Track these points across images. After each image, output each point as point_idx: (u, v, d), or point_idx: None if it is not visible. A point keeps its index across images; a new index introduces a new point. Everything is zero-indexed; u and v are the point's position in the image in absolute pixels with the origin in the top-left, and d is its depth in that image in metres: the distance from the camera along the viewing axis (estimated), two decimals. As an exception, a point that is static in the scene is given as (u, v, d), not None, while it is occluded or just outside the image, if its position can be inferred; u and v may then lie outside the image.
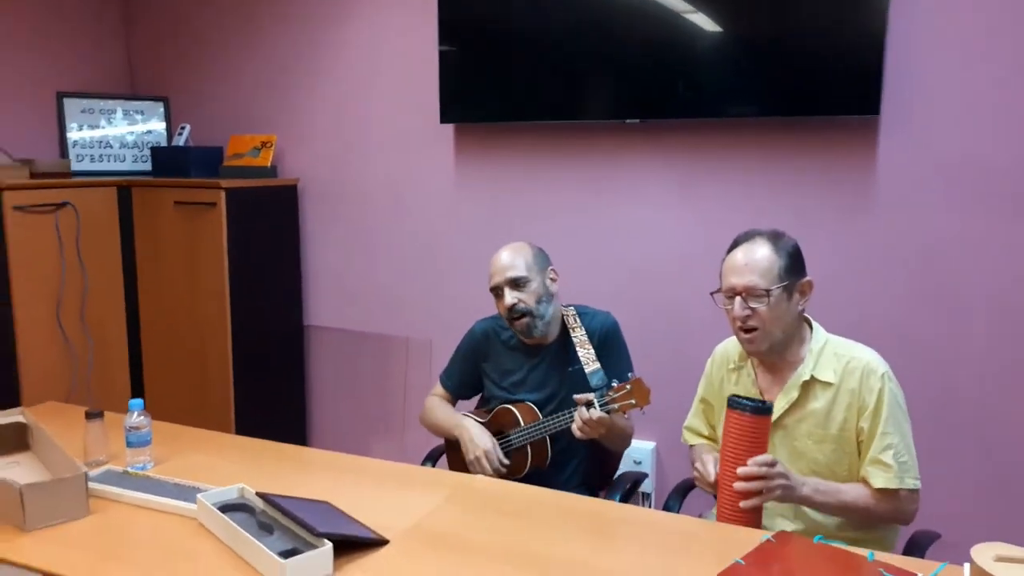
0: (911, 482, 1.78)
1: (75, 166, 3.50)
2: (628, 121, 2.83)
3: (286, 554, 1.48)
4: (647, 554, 1.58)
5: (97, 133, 3.60)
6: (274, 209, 3.40)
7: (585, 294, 2.97)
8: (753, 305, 1.80)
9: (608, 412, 1.94)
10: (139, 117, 3.74)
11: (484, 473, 2.10)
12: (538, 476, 2.20)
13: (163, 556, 1.56)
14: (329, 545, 1.50)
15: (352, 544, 1.56)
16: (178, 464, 2.02)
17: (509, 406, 2.20)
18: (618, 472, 2.39)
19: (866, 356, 1.83)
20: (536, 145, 3.04)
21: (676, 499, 2.13)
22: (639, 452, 2.91)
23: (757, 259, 1.81)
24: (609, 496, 2.14)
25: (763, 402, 1.72)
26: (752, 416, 1.69)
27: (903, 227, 2.54)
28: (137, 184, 3.35)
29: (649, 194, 2.88)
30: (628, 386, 1.94)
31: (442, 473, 2.00)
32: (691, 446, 2.11)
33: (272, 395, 3.43)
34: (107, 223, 3.26)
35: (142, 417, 1.99)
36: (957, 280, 2.49)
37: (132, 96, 3.80)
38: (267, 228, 3.36)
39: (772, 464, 1.68)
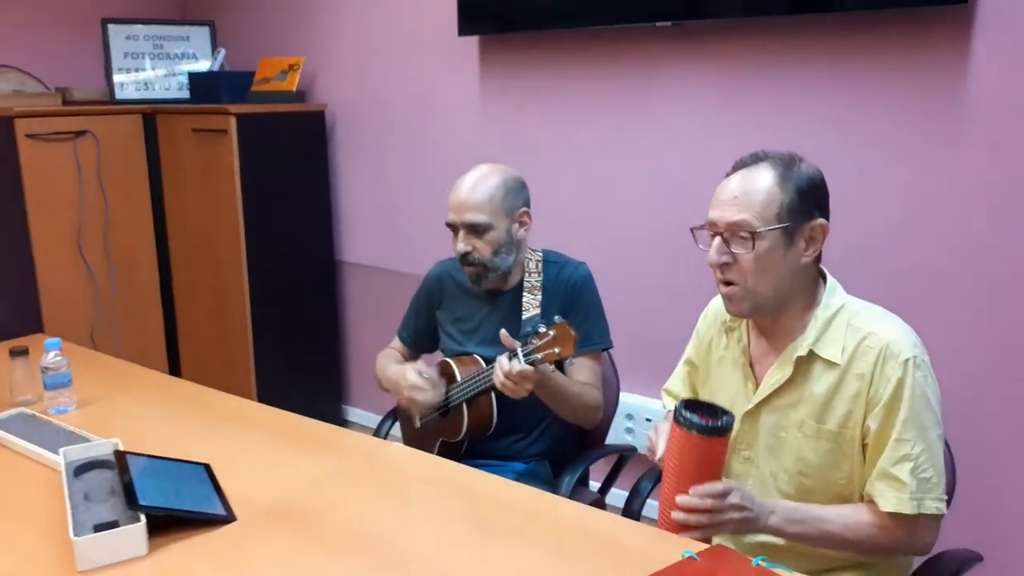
0: (933, 505, 1.32)
1: (119, 94, 3.45)
2: (659, 24, 2.37)
3: (103, 527, 1.29)
4: (531, 560, 1.25)
5: (141, 61, 3.53)
6: (299, 137, 3.20)
7: (613, 219, 2.59)
8: (735, 250, 1.36)
9: (532, 364, 1.59)
10: (185, 43, 3.63)
11: (421, 413, 1.82)
12: (493, 443, 1.90)
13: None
14: (140, 523, 1.28)
15: (196, 520, 1.34)
16: (101, 409, 1.88)
17: (450, 359, 1.89)
18: (607, 441, 2.05)
19: (890, 334, 1.35)
20: (560, 56, 2.64)
21: (651, 480, 1.77)
22: (640, 419, 2.53)
23: (753, 190, 1.36)
24: (569, 474, 1.80)
25: (719, 417, 1.29)
26: (698, 438, 1.28)
27: (1000, 155, 1.95)
28: (161, 111, 3.25)
29: (685, 110, 2.42)
30: (551, 332, 1.57)
31: (361, 439, 1.73)
32: (666, 411, 1.72)
33: (299, 333, 3.30)
34: (133, 152, 3.19)
35: (59, 357, 1.86)
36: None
37: (178, 21, 3.69)
38: (290, 157, 3.17)
39: (723, 495, 1.29)
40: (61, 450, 1.54)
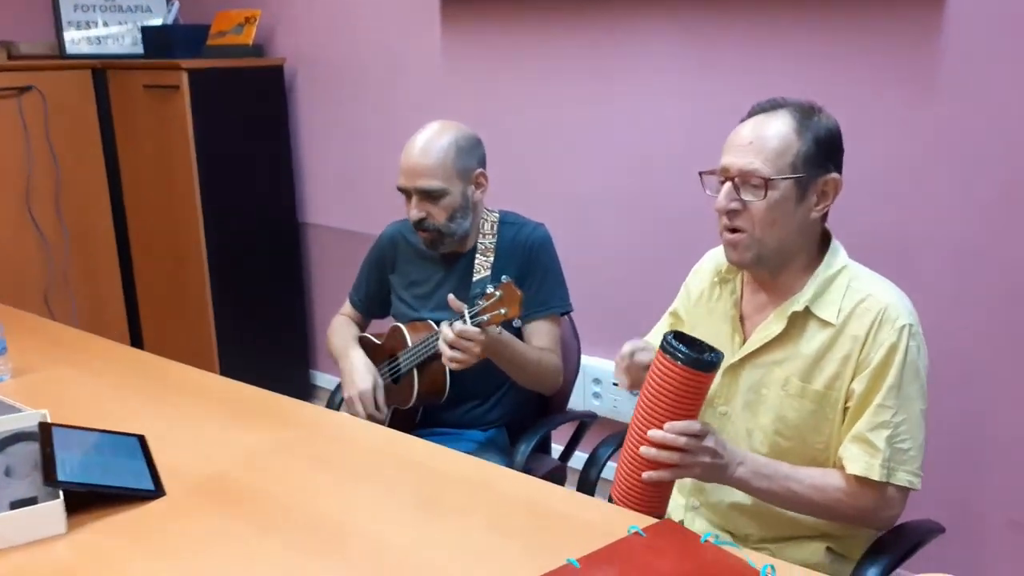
0: (905, 478, 1.27)
1: (70, 50, 3.30)
2: (624, -26, 2.26)
3: (20, 503, 1.22)
4: (474, 537, 1.19)
5: (92, 15, 3.37)
6: (257, 93, 3.08)
7: (575, 182, 2.51)
8: (746, 197, 1.30)
9: (478, 325, 1.52)
10: (139, -6, 3.47)
11: (359, 417, 1.75)
12: (449, 411, 1.83)
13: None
14: (58, 500, 1.21)
15: (122, 496, 1.27)
16: (39, 378, 1.80)
17: (401, 325, 1.81)
18: (570, 407, 1.99)
19: (888, 298, 1.30)
20: (523, 9, 2.52)
21: (609, 447, 1.71)
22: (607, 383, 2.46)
23: (768, 135, 1.29)
24: (525, 442, 1.74)
25: (709, 353, 1.21)
26: (684, 369, 1.18)
27: (974, 110, 1.87)
28: (112, 66, 3.11)
29: (652, 65, 2.32)
30: (497, 292, 1.50)
31: (309, 410, 1.65)
32: None
33: (262, 298, 3.21)
34: (83, 109, 3.06)
35: (-10, 324, 1.77)
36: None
37: (131, -29, 3.53)
38: (248, 113, 3.05)
39: (700, 435, 1.22)
40: (-16, 422, 1.46)
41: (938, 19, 1.87)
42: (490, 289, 1.52)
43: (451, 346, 1.55)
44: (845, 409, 1.32)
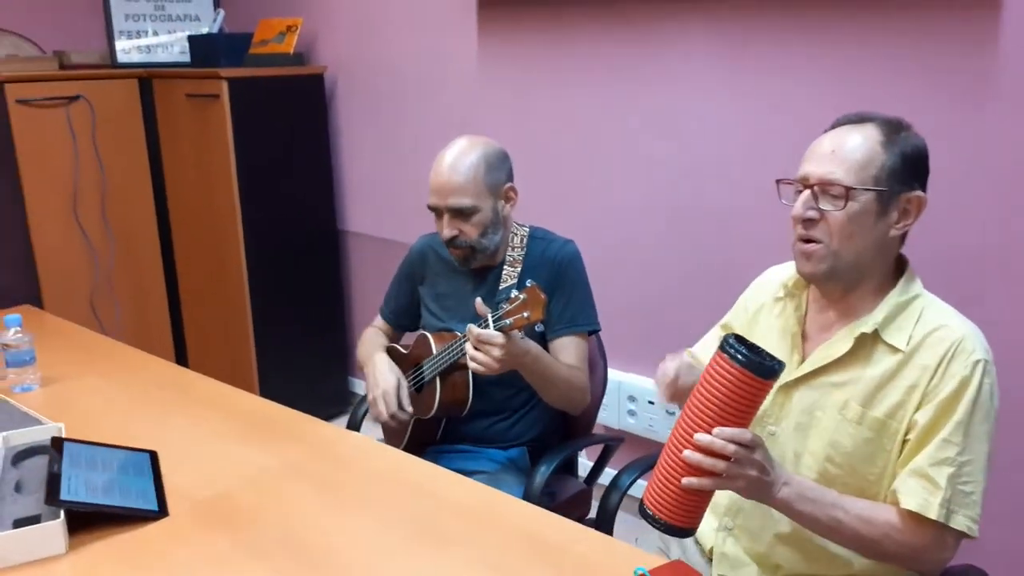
0: (964, 522, 1.17)
1: (122, 58, 3.37)
2: (662, -20, 2.19)
3: (23, 522, 1.22)
4: (467, 572, 1.14)
5: (143, 24, 3.44)
6: (298, 101, 3.09)
7: (612, 193, 2.45)
8: (824, 207, 1.23)
9: (501, 329, 1.48)
10: (187, 4, 3.52)
11: (380, 419, 1.73)
12: (471, 424, 1.79)
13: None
14: (58, 520, 1.21)
15: (124, 516, 1.27)
16: (65, 388, 1.83)
17: (427, 333, 1.78)
18: (600, 423, 1.94)
19: (964, 330, 1.22)
20: (558, 15, 2.47)
21: (633, 473, 1.64)
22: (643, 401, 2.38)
23: (853, 146, 1.23)
24: (546, 464, 1.69)
25: (772, 359, 1.12)
26: (743, 372, 1.09)
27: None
28: (157, 75, 3.15)
29: (688, 72, 2.24)
30: (521, 296, 1.46)
31: (323, 428, 1.63)
32: None
33: (302, 305, 3.22)
34: (129, 117, 3.12)
35: (19, 334, 1.80)
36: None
37: (181, -19, 3.59)
38: (289, 122, 3.06)
39: (751, 446, 1.13)
40: (1, 435, 1.47)
41: (995, 23, 1.75)
42: (515, 293, 1.49)
43: (473, 353, 1.52)
44: (904, 442, 1.23)
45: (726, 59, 2.16)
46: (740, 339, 1.12)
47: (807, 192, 1.25)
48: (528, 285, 1.47)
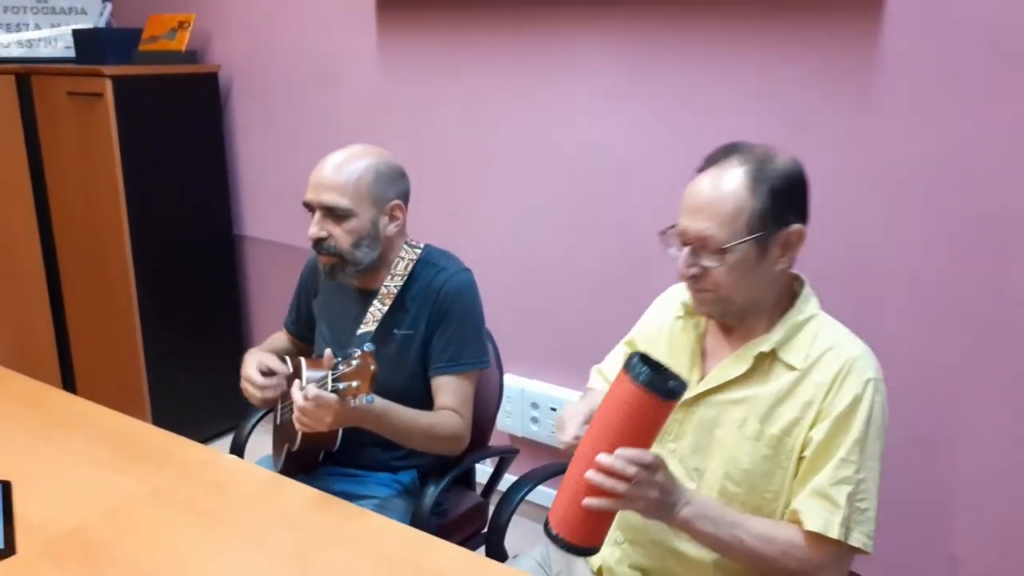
0: (860, 539, 1.20)
1: (0, 52, 3.16)
2: (559, -15, 2.17)
3: None
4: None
5: (24, 16, 3.23)
6: (189, 101, 2.95)
7: (516, 197, 2.42)
8: (705, 263, 1.24)
9: (336, 391, 1.36)
10: (72, -4, 3.33)
11: (255, 402, 1.63)
12: (357, 450, 1.70)
13: None
14: None
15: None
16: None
17: (301, 358, 1.67)
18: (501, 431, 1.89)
19: (856, 351, 1.25)
20: (458, 17, 2.43)
21: (528, 484, 1.61)
22: (545, 408, 2.38)
23: (721, 199, 1.22)
24: (433, 485, 1.63)
25: (676, 380, 1.11)
26: (644, 392, 1.08)
27: (912, 127, 1.79)
28: (36, 72, 2.97)
29: (595, 85, 2.23)
30: (354, 362, 1.34)
31: (195, 451, 1.53)
32: (587, 389, 1.57)
33: (197, 315, 3.08)
34: (5, 116, 2.91)
35: None
36: (984, 201, 1.75)
37: (64, -28, 3.40)
38: (180, 123, 2.92)
39: (651, 467, 1.12)
40: None
41: (876, 28, 1.79)
42: (357, 352, 1.35)
43: (302, 407, 1.39)
44: (800, 459, 1.24)
45: (625, 67, 2.16)
46: (644, 358, 1.11)
47: (687, 250, 1.26)
48: (365, 349, 1.34)
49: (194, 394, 3.07)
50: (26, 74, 2.98)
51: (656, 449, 1.32)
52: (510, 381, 2.47)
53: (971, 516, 1.85)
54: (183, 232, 2.99)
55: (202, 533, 1.25)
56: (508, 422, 2.56)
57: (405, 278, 1.66)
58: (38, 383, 1.83)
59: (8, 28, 3.21)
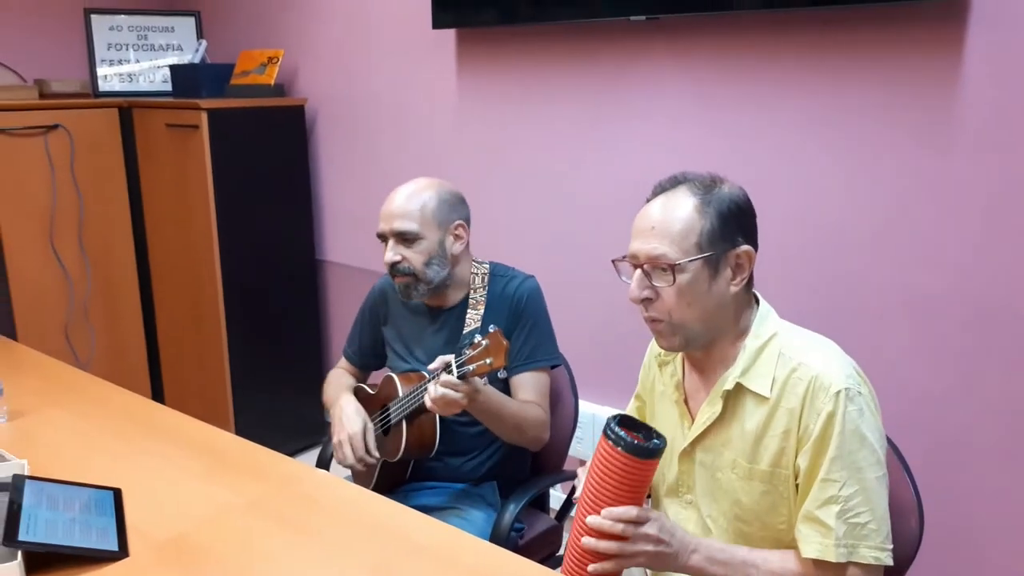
0: (870, 555, 1.19)
1: (103, 87, 3.39)
2: (633, 19, 2.22)
3: (-22, 563, 1.21)
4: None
5: (125, 53, 3.46)
6: (278, 132, 3.11)
7: (588, 226, 2.47)
8: (656, 284, 1.26)
9: (462, 376, 1.49)
10: (170, 34, 3.55)
11: (345, 463, 1.72)
12: (438, 463, 1.79)
13: None
14: (15, 562, 1.20)
15: (83, 557, 1.26)
16: (32, 423, 1.81)
17: (393, 375, 1.78)
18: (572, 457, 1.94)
19: (820, 364, 1.23)
20: (532, 51, 2.51)
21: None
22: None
23: (670, 219, 1.25)
24: (515, 502, 1.69)
25: (653, 438, 1.18)
26: (623, 455, 1.15)
27: (993, 162, 1.79)
28: (137, 105, 3.17)
29: (660, 110, 2.28)
30: (484, 341, 1.46)
31: (288, 465, 1.62)
32: None
33: (280, 336, 3.22)
34: (108, 146, 3.12)
35: (-14, 367, 1.79)
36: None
37: (163, 11, 3.61)
38: (269, 153, 3.08)
39: (636, 521, 1.17)
40: (-42, 473, 1.46)
41: (957, 62, 1.79)
42: (477, 338, 1.49)
43: (434, 400, 1.52)
44: (798, 486, 1.25)
45: (699, 96, 2.20)
46: (623, 421, 1.18)
47: (639, 272, 1.28)
48: (491, 330, 1.47)
49: (274, 411, 3.20)
50: (128, 107, 3.19)
51: (675, 501, 1.38)
52: (584, 407, 2.51)
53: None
54: (269, 255, 3.14)
55: (298, 542, 1.32)
56: (580, 447, 2.59)
57: (487, 287, 1.78)
58: (140, 397, 1.95)
59: (111, 63, 3.43)
